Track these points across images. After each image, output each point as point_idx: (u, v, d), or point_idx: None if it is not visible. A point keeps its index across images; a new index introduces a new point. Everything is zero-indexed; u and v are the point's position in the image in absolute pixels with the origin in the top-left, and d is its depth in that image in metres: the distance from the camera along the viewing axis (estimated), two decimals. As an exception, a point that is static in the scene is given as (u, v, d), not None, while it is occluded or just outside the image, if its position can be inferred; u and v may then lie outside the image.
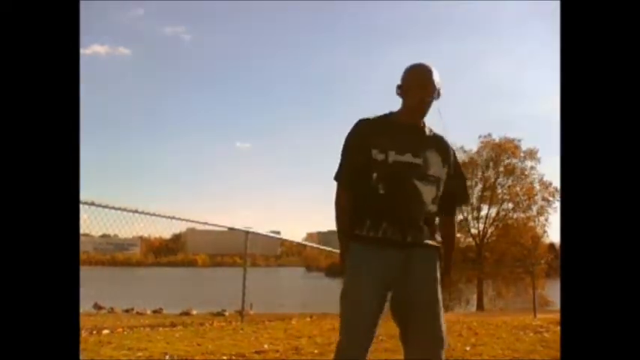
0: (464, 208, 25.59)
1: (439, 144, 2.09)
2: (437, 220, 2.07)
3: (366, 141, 2.01)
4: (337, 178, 2.09)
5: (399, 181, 1.95)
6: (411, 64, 2.05)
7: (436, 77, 2.02)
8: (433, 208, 2.01)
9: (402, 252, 1.93)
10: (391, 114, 2.09)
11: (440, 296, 1.96)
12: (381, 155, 1.96)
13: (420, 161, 1.98)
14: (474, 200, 25.63)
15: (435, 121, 2.11)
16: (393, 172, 1.96)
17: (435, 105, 2.05)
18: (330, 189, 2.11)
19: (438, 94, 2.04)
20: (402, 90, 2.04)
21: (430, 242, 1.99)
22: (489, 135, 25.48)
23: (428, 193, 1.98)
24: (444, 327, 1.94)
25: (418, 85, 1.99)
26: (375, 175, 1.96)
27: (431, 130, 2.10)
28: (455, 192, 2.13)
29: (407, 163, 1.96)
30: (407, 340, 1.98)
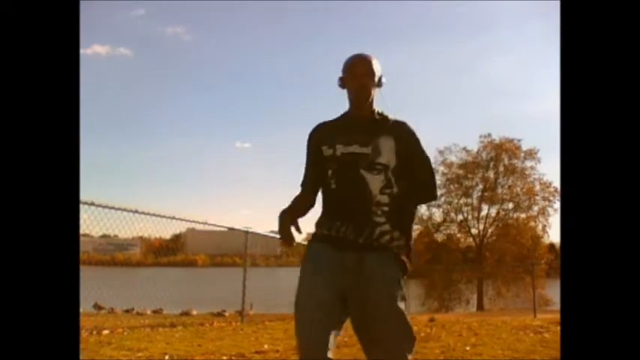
0: (464, 208, 25.63)
1: (395, 130, 2.00)
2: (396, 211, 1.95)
3: (318, 141, 2.02)
4: (301, 184, 2.09)
5: (346, 173, 1.92)
6: (349, 56, 2.04)
7: (374, 65, 1.99)
8: (383, 198, 1.91)
9: (357, 253, 1.87)
10: (345, 113, 2.07)
11: (398, 300, 1.83)
12: (329, 150, 1.95)
13: (369, 150, 1.92)
14: (474, 200, 25.64)
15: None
16: (341, 164, 1.93)
17: (381, 91, 2.03)
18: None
19: (380, 82, 2.01)
20: (342, 82, 2.03)
21: (385, 241, 1.90)
22: (489, 135, 25.50)
23: (376, 182, 1.90)
24: (405, 330, 1.83)
25: (354, 76, 1.98)
26: (329, 171, 1.96)
27: (386, 118, 2.03)
28: (418, 183, 2.03)
29: (354, 154, 1.92)
30: (366, 348, 1.89)
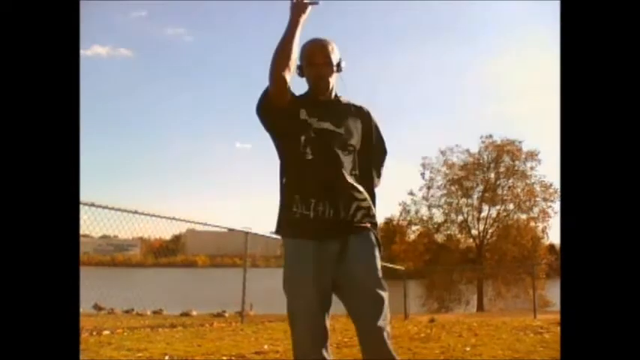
0: (465, 209, 25.62)
1: (360, 114, 2.02)
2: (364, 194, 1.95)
3: (296, 100, 1.93)
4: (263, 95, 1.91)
5: (323, 148, 1.87)
6: (306, 42, 1.98)
7: (332, 51, 1.95)
8: (351, 179, 1.91)
9: (337, 239, 1.85)
10: (307, 92, 2.00)
11: (380, 282, 1.86)
12: (308, 118, 1.89)
13: (342, 130, 1.92)
14: (474, 201, 25.63)
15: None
16: (318, 137, 1.88)
17: (341, 76, 1.99)
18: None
19: (339, 67, 1.96)
20: (300, 71, 1.97)
21: (361, 216, 1.90)
22: (490, 136, 25.51)
23: (347, 162, 1.90)
24: (384, 316, 1.83)
25: (310, 63, 1.94)
26: (303, 138, 1.88)
27: (349, 102, 2.03)
28: (366, 168, 2.01)
29: (329, 131, 1.89)
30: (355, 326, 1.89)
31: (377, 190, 2.06)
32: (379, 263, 1.90)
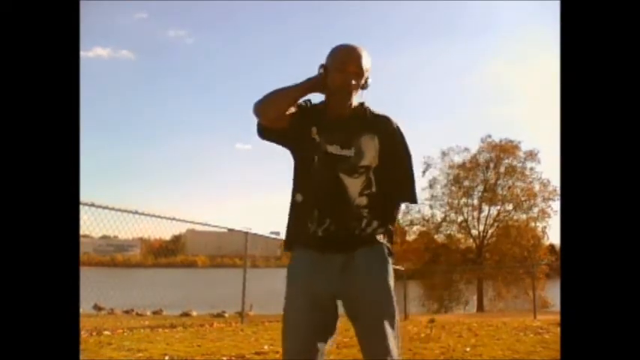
0: (464, 209, 25.64)
1: (378, 126, 1.84)
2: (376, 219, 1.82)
3: (307, 113, 1.82)
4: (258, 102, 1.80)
5: (325, 175, 1.76)
6: (337, 45, 1.82)
7: (364, 62, 1.78)
8: (362, 200, 1.78)
9: (345, 254, 1.76)
10: (322, 102, 1.87)
11: (389, 306, 1.76)
12: (318, 137, 1.78)
13: (351, 152, 1.76)
14: (474, 201, 25.65)
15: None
16: (322, 163, 1.76)
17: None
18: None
19: (365, 84, 1.81)
20: (324, 72, 1.80)
21: (370, 230, 1.79)
22: (489, 136, 25.54)
23: (355, 186, 1.76)
24: (392, 343, 1.72)
25: (340, 69, 1.76)
26: (315, 157, 1.77)
27: (367, 110, 1.85)
28: (396, 183, 1.87)
29: (335, 156, 1.76)
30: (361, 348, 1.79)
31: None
32: (389, 278, 1.80)
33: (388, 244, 1.84)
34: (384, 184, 1.84)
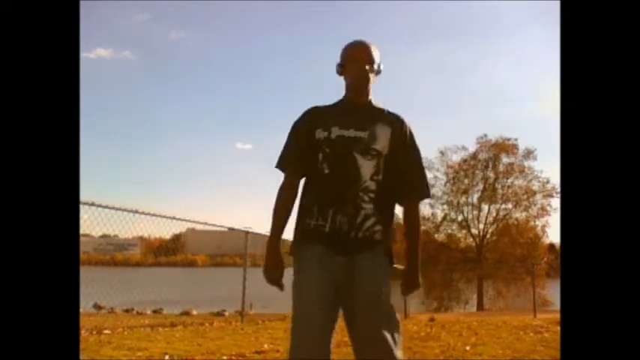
0: (464, 208, 25.63)
1: (392, 120, 1.98)
2: (387, 204, 1.95)
3: (311, 124, 1.96)
4: (280, 164, 1.99)
5: (339, 155, 1.88)
6: (348, 42, 2.02)
7: (374, 52, 1.98)
8: (371, 184, 1.88)
9: (347, 253, 1.84)
10: (340, 99, 2.04)
11: (386, 305, 1.84)
12: (323, 133, 1.91)
13: (365, 134, 1.90)
14: (474, 200, 25.65)
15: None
16: (335, 147, 1.89)
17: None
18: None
19: (379, 70, 2.00)
20: (341, 69, 2.01)
21: (370, 228, 1.87)
22: (485, 136, 25.52)
23: (368, 167, 1.88)
24: (391, 342, 1.78)
25: (353, 62, 1.96)
26: (320, 155, 1.91)
27: (384, 109, 2.02)
28: (410, 181, 1.99)
29: (349, 137, 1.89)
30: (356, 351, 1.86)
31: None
32: (387, 278, 1.89)
33: (389, 244, 1.96)
34: (392, 177, 1.93)
